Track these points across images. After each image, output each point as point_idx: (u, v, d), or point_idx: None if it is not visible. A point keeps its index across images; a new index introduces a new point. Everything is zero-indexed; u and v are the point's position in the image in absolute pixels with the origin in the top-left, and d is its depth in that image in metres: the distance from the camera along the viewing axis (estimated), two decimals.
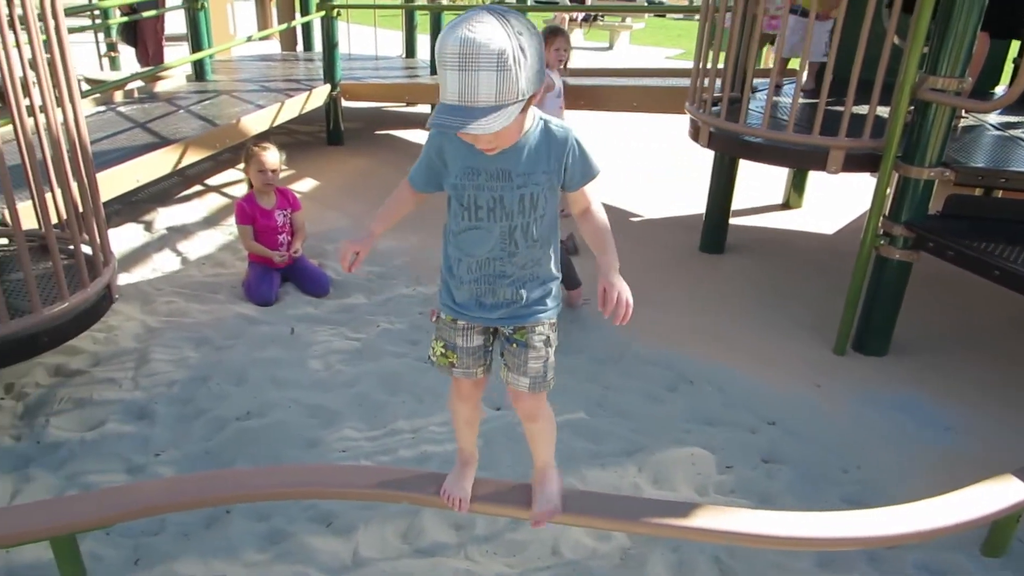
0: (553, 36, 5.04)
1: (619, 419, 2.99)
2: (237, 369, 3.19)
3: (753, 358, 3.45)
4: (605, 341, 3.59)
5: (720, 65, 3.86)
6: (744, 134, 3.77)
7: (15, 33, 2.54)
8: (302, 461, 2.67)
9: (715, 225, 4.63)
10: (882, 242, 3.31)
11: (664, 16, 22.33)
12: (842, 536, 2.03)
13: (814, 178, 5.56)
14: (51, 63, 2.65)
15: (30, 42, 2.57)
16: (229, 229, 4.91)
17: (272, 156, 3.99)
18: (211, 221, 5.05)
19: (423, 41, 7.84)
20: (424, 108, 8.09)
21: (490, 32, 1.29)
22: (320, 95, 6.30)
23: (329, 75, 6.40)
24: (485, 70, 1.30)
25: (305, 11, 8.06)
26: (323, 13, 6.31)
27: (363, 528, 2.37)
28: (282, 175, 4.13)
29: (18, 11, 2.55)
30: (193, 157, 4.89)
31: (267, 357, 3.29)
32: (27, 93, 2.59)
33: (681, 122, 5.42)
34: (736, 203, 4.67)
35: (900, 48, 3.27)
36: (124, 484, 2.48)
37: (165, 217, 5.03)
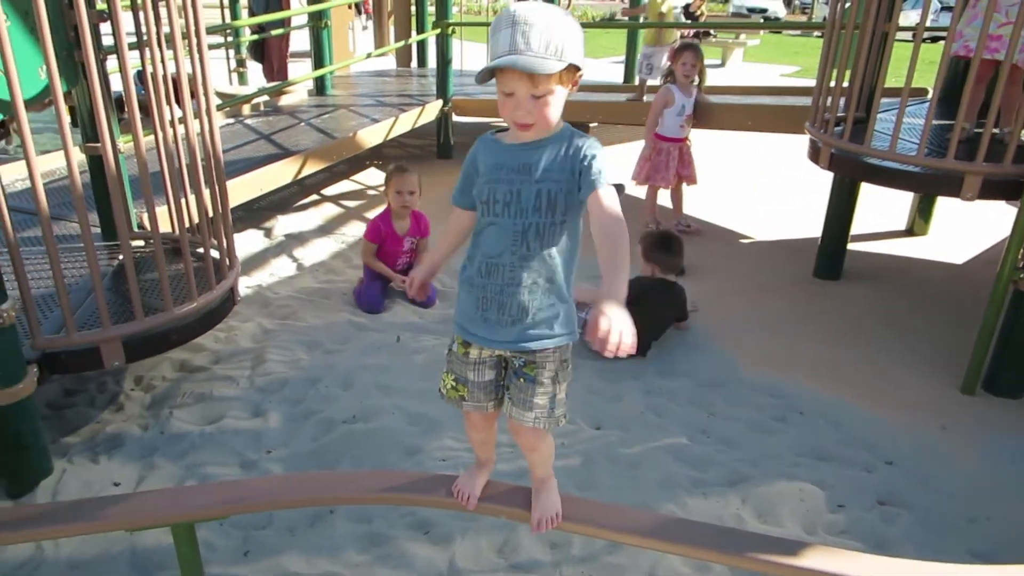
0: (682, 51, 4.97)
1: (723, 447, 2.90)
2: (345, 373, 3.30)
3: (870, 392, 3.26)
4: (708, 365, 3.49)
5: (844, 84, 3.70)
6: (869, 156, 3.59)
7: (162, 51, 2.74)
8: (403, 467, 2.72)
9: (832, 250, 4.42)
10: (1022, 276, 3.06)
11: (780, 32, 21.71)
12: None
13: (942, 204, 5.24)
14: (192, 79, 2.84)
15: (175, 59, 2.76)
16: (342, 238, 5.11)
17: (412, 178, 4.10)
18: (326, 230, 5.27)
19: None
20: None
21: (541, 4, 1.49)
22: (432, 110, 6.48)
23: (442, 91, 6.57)
24: (535, 25, 1.45)
25: (421, 29, 8.32)
26: (439, 31, 6.49)
27: (460, 539, 2.38)
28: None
29: (165, 30, 2.76)
30: (312, 168, 5.13)
31: (374, 363, 3.38)
32: (169, 106, 2.78)
33: (797, 142, 5.24)
34: (855, 227, 4.44)
35: None
36: (240, 479, 2.60)
37: (284, 225, 5.29)
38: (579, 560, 2.32)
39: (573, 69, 1.53)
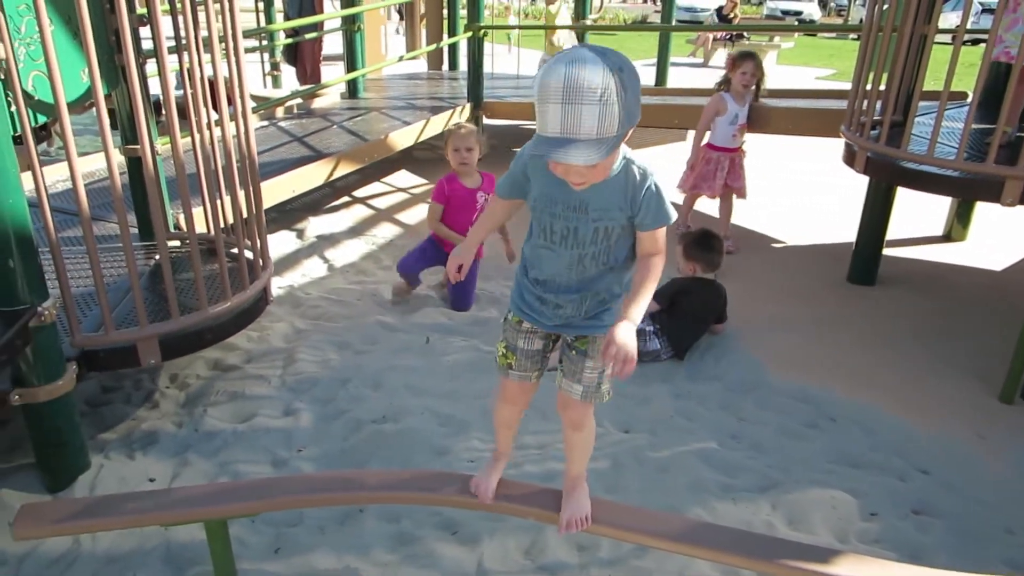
0: (741, 60, 4.80)
1: (753, 452, 2.86)
2: (374, 374, 3.32)
3: (905, 400, 3.20)
4: (739, 369, 3.46)
5: (881, 87, 3.64)
6: (906, 160, 3.53)
7: (199, 54, 2.79)
8: (431, 467, 2.73)
9: (867, 255, 4.35)
10: None
11: (815, 35, 21.44)
12: None
13: (981, 209, 5.13)
14: (228, 81, 2.89)
15: (212, 62, 2.81)
16: (373, 239, 5.16)
17: (469, 136, 3.83)
18: (357, 231, 5.32)
19: None
20: None
21: (592, 68, 1.33)
22: (463, 113, 6.51)
23: (473, 93, 6.59)
24: (588, 104, 1.33)
25: (453, 32, 8.36)
26: (470, 34, 6.52)
27: (487, 539, 2.39)
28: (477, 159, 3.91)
29: (203, 34, 2.81)
30: (344, 170, 5.18)
31: (403, 364, 3.40)
32: (207, 109, 2.83)
33: (831, 146, 5.17)
34: (890, 232, 4.37)
35: None
36: (273, 476, 2.64)
37: (315, 226, 5.35)
38: (607, 563, 2.31)
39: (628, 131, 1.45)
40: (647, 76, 9.04)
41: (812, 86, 12.36)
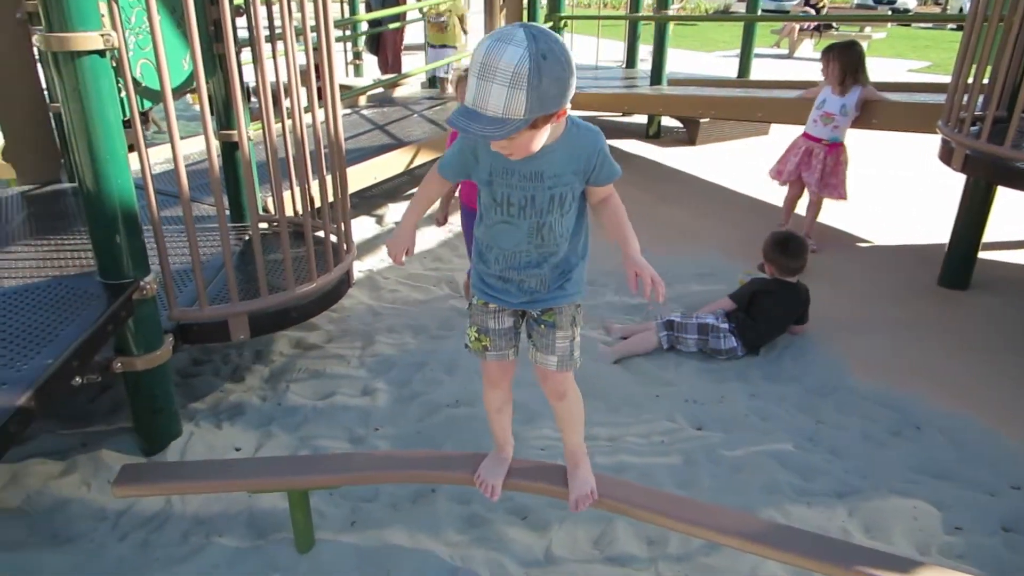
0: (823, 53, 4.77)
1: (831, 457, 2.79)
2: (449, 359, 3.39)
3: (997, 411, 3.06)
4: (819, 371, 3.37)
5: (984, 80, 3.47)
6: (1011, 159, 3.35)
7: (292, 44, 2.88)
8: None
9: (960, 258, 4.15)
10: None
11: (909, 25, 20.45)
12: None
13: None
14: (319, 70, 2.98)
15: (305, 51, 2.90)
16: (449, 227, 5.20)
17: None
18: (433, 219, 5.38)
19: (645, 51, 7.84)
20: (641, 119, 8.07)
21: (512, 50, 1.36)
22: None
23: None
24: (498, 83, 1.38)
25: (533, 21, 8.36)
26: (550, 24, 6.52)
27: (557, 526, 2.41)
28: None
29: (296, 24, 2.90)
30: (423, 159, 5.27)
31: None
32: (298, 96, 2.93)
33: (924, 141, 4.95)
34: (987, 235, 4.16)
35: None
36: (354, 452, 2.73)
37: (394, 212, 5.46)
38: (676, 559, 2.30)
39: (547, 115, 1.46)
40: (725, 68, 8.81)
41: (904, 79, 11.84)
